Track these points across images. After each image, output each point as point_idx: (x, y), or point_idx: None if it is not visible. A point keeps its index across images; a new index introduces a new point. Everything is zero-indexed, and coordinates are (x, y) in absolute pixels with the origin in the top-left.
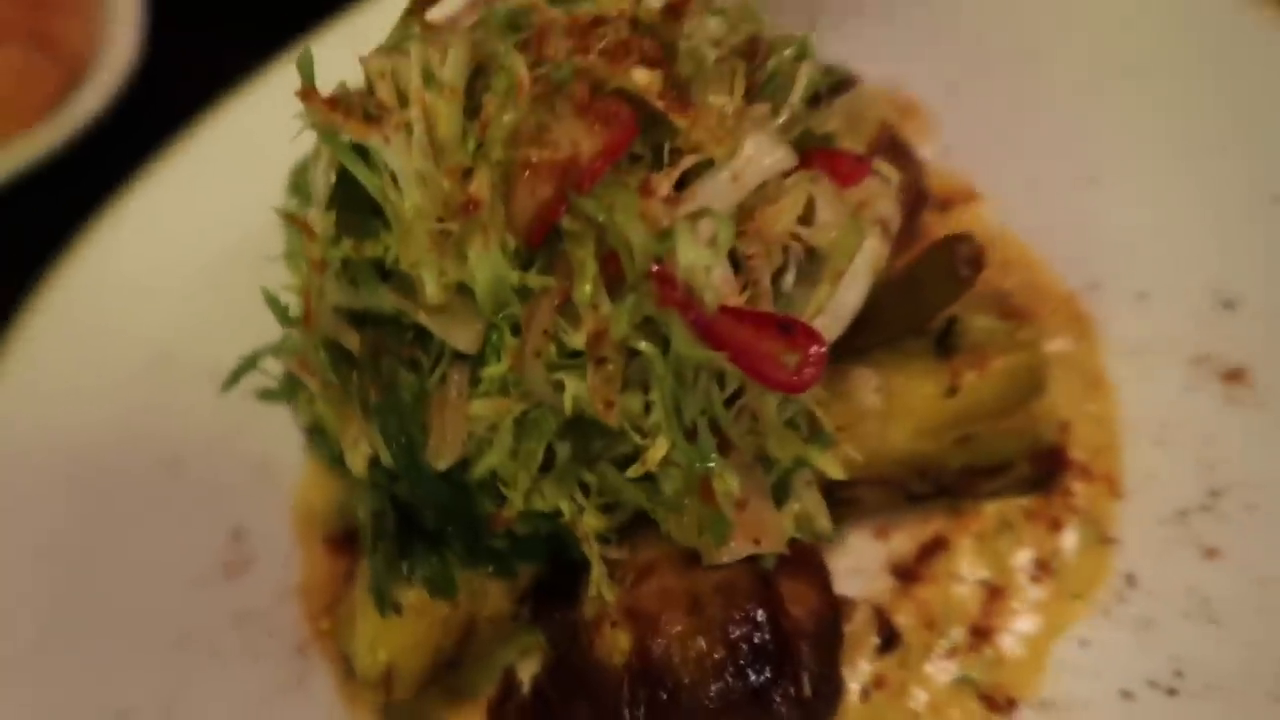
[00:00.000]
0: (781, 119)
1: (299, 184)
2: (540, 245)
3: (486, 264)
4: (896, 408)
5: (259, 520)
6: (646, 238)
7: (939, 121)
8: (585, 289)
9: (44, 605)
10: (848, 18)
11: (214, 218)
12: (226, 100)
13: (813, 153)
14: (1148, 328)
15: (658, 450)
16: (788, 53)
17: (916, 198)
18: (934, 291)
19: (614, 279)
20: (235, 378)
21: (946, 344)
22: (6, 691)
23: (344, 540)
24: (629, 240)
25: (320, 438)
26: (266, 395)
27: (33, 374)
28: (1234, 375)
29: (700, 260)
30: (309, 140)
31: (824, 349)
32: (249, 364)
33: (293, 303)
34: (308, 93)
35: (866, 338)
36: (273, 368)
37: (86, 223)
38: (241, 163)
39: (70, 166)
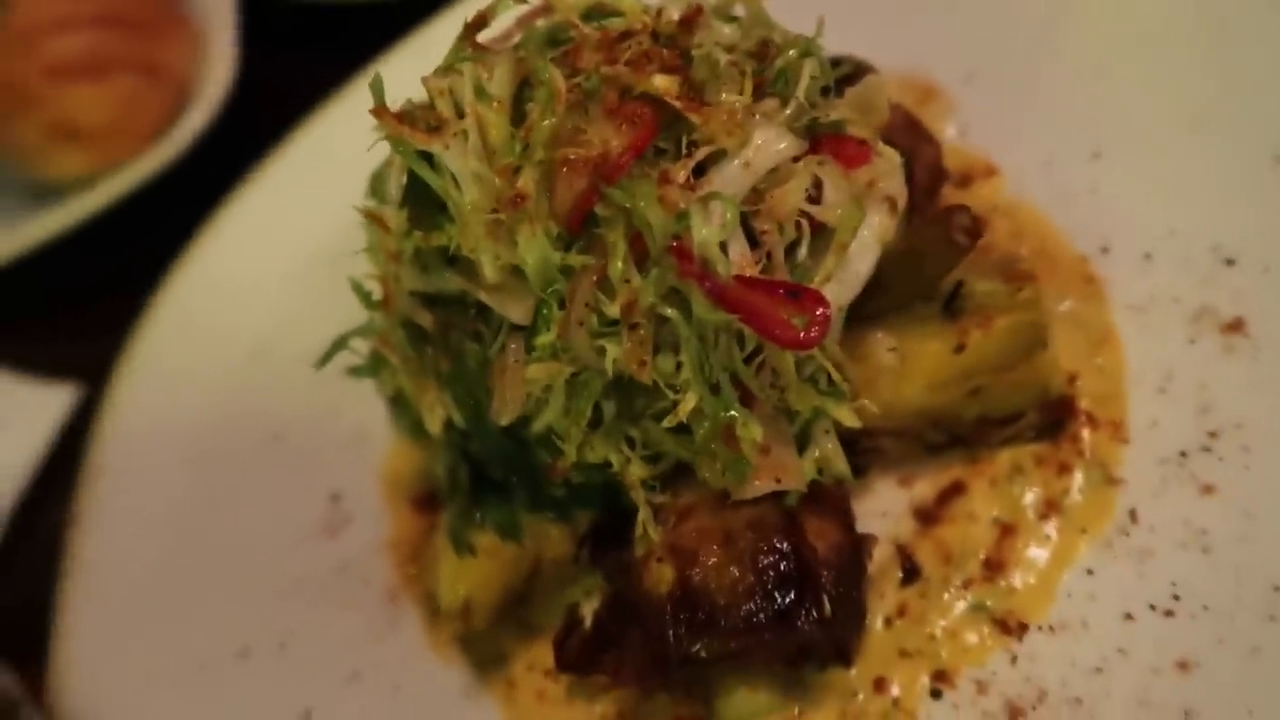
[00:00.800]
0: (789, 110)
1: (376, 188)
2: (579, 230)
3: (534, 247)
4: (909, 365)
5: (353, 485)
6: (664, 219)
7: (958, 105)
8: (617, 265)
9: (170, 561)
10: (873, 13)
11: (301, 225)
12: (310, 119)
13: (821, 139)
14: (1152, 286)
15: (687, 403)
16: (793, 52)
17: (936, 174)
18: (935, 259)
19: (642, 256)
20: (328, 357)
21: (953, 307)
22: (143, 635)
23: (427, 500)
24: (650, 222)
25: (402, 407)
26: (355, 371)
27: (154, 366)
28: (1233, 326)
29: (711, 236)
30: (383, 150)
31: (829, 311)
32: (340, 344)
33: (374, 289)
34: (379, 110)
35: (880, 303)
36: (359, 348)
37: (194, 234)
38: (324, 174)
39: (178, 182)
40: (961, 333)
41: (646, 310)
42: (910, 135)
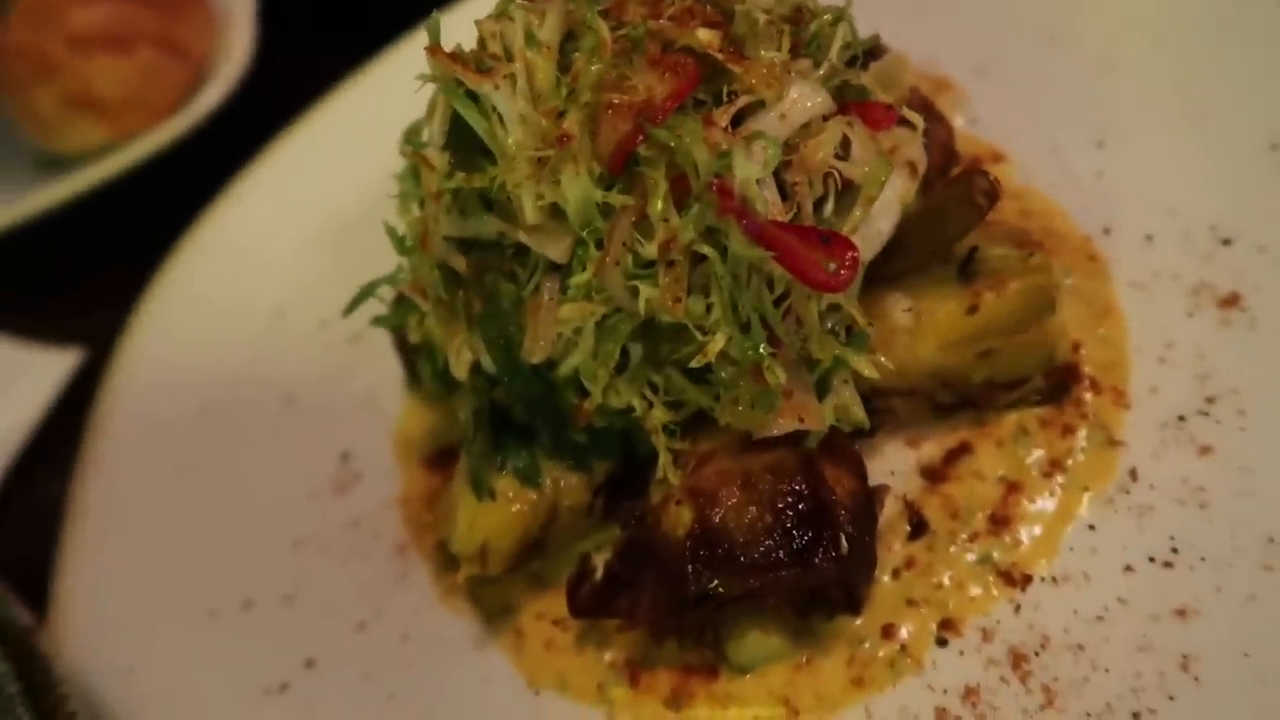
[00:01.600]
0: (821, 71)
1: (411, 138)
2: (620, 171)
3: (577, 186)
4: (924, 325)
5: (364, 445)
6: (708, 156)
7: (969, 96)
8: (658, 204)
9: (181, 511)
10: (889, 8)
11: (317, 194)
12: (328, 96)
13: (848, 103)
14: (1153, 263)
15: (716, 343)
16: (827, 17)
17: (947, 156)
18: (955, 219)
19: (681, 197)
20: (356, 303)
21: (968, 270)
22: (152, 582)
23: (437, 460)
24: (694, 159)
25: (426, 356)
26: (379, 320)
27: (167, 326)
28: (1229, 301)
29: (753, 174)
30: (407, 116)
31: (857, 255)
32: (368, 291)
33: (408, 235)
34: (434, 48)
35: (897, 264)
36: (383, 297)
37: (210, 201)
38: (341, 146)
39: (195, 154)
40: (975, 295)
41: (684, 248)
42: (924, 116)
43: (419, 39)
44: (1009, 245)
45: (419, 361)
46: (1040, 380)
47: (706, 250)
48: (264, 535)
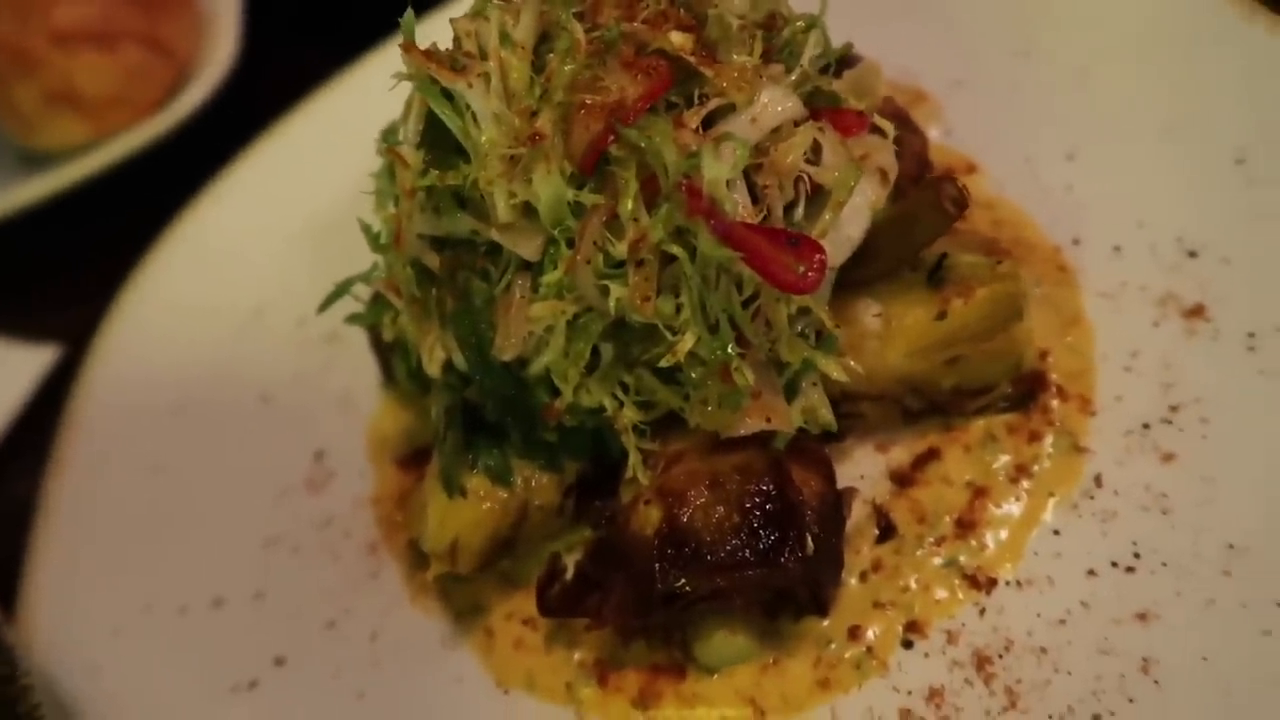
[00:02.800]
0: (793, 77)
1: (388, 138)
2: (592, 171)
3: (549, 185)
4: (893, 330)
5: (339, 443)
6: (678, 156)
7: (945, 109)
8: (628, 204)
9: (153, 509)
10: (866, 21)
11: (295, 195)
12: (310, 96)
13: (820, 109)
14: (1121, 274)
15: (685, 343)
16: (800, 24)
17: (920, 166)
18: (924, 225)
19: (651, 197)
20: (330, 301)
21: (937, 276)
22: (122, 580)
23: (411, 460)
24: (664, 159)
25: (402, 353)
26: (354, 318)
27: (142, 323)
28: (1194, 311)
29: (722, 174)
30: (382, 120)
31: (825, 257)
32: (343, 289)
33: (382, 232)
34: (409, 45)
35: (867, 271)
36: (359, 295)
37: (190, 200)
38: (319, 149)
39: (177, 152)
40: (944, 301)
41: (653, 247)
42: (898, 125)
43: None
44: (978, 253)
45: (393, 359)
46: (1008, 387)
47: (675, 250)
48: (235, 533)
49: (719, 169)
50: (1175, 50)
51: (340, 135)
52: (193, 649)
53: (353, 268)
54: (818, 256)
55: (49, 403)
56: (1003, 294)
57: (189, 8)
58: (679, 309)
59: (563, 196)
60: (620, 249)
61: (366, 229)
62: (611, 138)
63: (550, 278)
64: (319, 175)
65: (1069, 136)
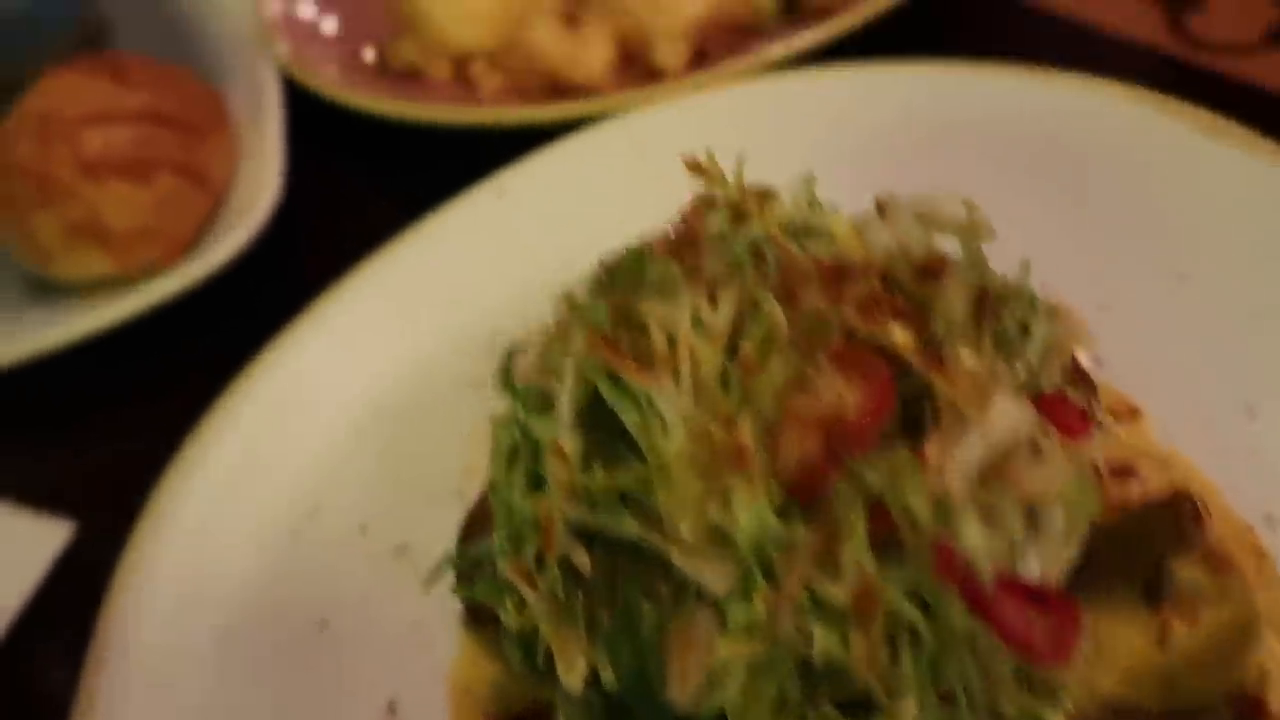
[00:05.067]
0: (1019, 375)
1: (506, 377)
2: (807, 503)
3: (754, 515)
4: (1104, 655)
5: (413, 693)
6: (929, 512)
7: (1091, 332)
8: (853, 548)
9: None
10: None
11: (362, 374)
12: (372, 255)
13: (1038, 401)
14: None
15: (908, 710)
16: (1018, 307)
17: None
18: (1153, 548)
19: (875, 538)
20: (437, 575)
21: (1154, 592)
22: None
23: None
24: (914, 515)
25: (516, 639)
26: (463, 591)
27: (181, 524)
28: None
29: (983, 543)
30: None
31: (1079, 618)
32: (454, 563)
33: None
34: (596, 340)
35: (1073, 580)
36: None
37: (232, 377)
38: (388, 319)
39: (217, 297)
40: (1163, 623)
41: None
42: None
43: (478, 194)
44: (1198, 562)
45: (500, 633)
46: (1226, 712)
47: (912, 614)
48: None
49: (981, 538)
50: None
51: (409, 300)
52: None
53: (423, 466)
54: (1075, 617)
55: (57, 587)
56: (1233, 622)
57: (225, 129)
58: (893, 658)
59: (767, 528)
60: (835, 593)
61: (494, 490)
62: (837, 468)
63: (743, 616)
64: (384, 349)
65: (1247, 386)
